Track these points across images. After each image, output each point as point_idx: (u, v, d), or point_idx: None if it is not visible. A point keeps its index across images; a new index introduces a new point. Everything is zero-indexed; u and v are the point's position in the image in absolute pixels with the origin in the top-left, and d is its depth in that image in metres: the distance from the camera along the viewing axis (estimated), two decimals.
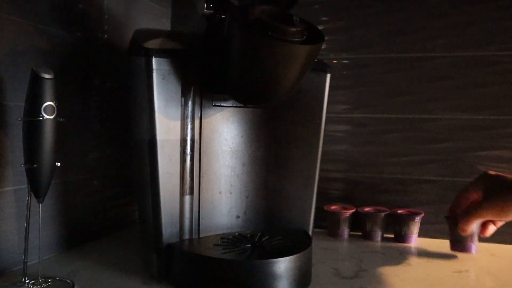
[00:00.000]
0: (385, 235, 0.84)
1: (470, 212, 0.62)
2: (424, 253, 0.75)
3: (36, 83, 0.50)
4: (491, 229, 0.64)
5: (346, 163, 0.91)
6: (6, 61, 0.58)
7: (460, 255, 0.74)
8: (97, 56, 0.76)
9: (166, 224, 0.58)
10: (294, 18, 0.52)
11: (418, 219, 0.81)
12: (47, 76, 0.51)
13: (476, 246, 0.69)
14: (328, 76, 0.69)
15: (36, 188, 0.53)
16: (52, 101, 0.51)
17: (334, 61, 0.90)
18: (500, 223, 0.64)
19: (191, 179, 0.61)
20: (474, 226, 0.63)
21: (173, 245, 0.58)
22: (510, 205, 0.60)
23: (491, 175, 0.64)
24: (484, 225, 0.64)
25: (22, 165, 0.52)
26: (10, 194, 0.59)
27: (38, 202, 0.54)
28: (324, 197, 0.90)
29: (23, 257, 0.55)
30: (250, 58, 0.53)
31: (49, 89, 0.51)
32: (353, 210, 0.86)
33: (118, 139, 0.82)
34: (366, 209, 0.85)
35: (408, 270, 0.67)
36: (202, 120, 0.61)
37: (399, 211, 0.84)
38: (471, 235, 0.67)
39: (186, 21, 0.67)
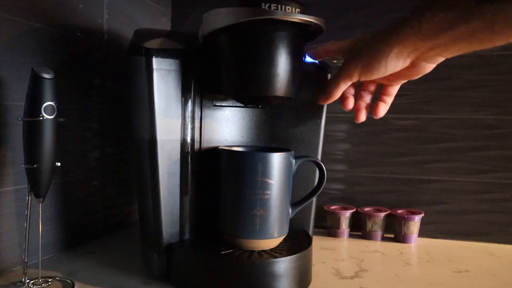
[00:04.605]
0: (385, 235, 0.85)
1: (338, 73, 0.56)
2: (424, 253, 0.75)
3: (36, 83, 0.50)
4: (382, 108, 0.60)
5: (346, 163, 0.91)
6: (6, 61, 0.58)
7: (458, 256, 0.74)
8: (97, 56, 0.76)
9: (166, 224, 0.58)
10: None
11: (418, 219, 0.81)
12: (47, 76, 0.51)
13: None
14: (328, 76, 0.69)
15: (36, 188, 0.53)
16: (52, 101, 0.51)
17: (334, 61, 0.90)
18: (387, 98, 0.60)
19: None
20: (342, 89, 0.57)
21: (173, 245, 0.58)
22: (376, 53, 0.51)
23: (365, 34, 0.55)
24: (375, 105, 0.60)
25: (22, 165, 0.52)
26: (10, 194, 0.59)
27: (38, 202, 0.54)
28: (324, 197, 0.90)
29: (23, 257, 0.55)
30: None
31: (49, 89, 0.51)
32: (353, 210, 0.86)
33: (118, 139, 0.82)
34: (366, 209, 0.85)
35: (408, 270, 0.67)
36: (202, 120, 0.61)
37: (399, 211, 0.84)
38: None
39: (186, 21, 0.67)
